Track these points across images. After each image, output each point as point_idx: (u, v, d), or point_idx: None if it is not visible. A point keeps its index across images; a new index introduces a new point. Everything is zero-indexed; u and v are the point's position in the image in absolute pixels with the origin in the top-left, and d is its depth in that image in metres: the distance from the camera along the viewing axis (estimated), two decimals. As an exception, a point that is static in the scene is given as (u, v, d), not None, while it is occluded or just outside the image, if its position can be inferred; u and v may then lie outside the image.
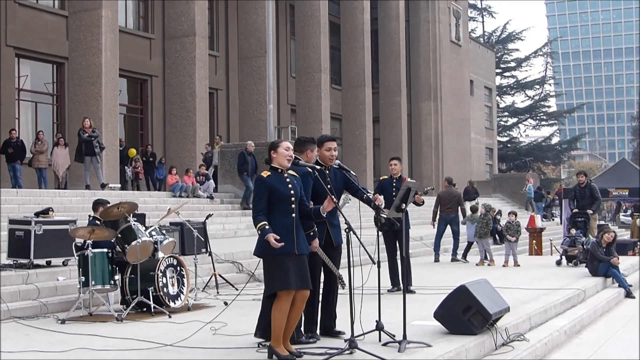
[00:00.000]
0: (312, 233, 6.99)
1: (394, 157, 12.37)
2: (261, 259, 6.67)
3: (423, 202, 11.30)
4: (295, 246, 6.57)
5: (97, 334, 8.08)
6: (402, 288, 7.76)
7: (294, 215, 6.65)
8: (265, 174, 6.65)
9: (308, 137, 7.67)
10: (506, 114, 67.86)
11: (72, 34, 22.90)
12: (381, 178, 12.22)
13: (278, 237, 6.39)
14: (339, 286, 7.43)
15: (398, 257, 11.35)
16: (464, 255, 17.72)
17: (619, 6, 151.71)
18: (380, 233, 10.78)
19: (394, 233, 11.35)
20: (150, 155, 26.06)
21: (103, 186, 20.26)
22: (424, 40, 42.88)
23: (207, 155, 24.93)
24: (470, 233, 17.60)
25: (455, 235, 17.79)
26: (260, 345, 7.03)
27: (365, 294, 7.58)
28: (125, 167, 23.99)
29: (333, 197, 6.80)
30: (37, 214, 11.30)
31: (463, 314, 7.57)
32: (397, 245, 11.59)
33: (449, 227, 17.74)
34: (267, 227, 6.44)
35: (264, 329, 7.05)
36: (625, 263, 15.82)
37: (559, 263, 15.98)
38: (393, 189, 11.43)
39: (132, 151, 25.15)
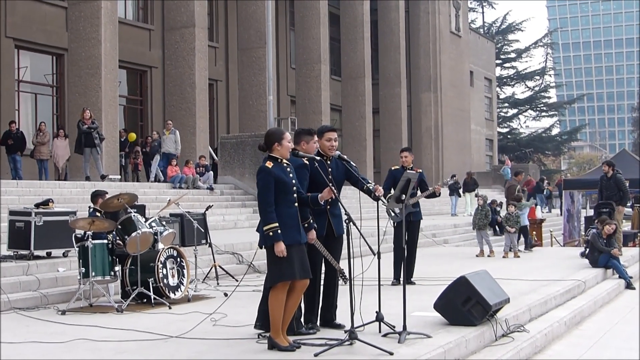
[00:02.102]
0: (306, 224, 6.97)
1: (405, 149, 12.20)
2: (265, 250, 6.65)
3: (439, 194, 11.43)
4: (301, 235, 6.62)
5: (97, 324, 8.09)
6: (403, 279, 7.75)
7: (296, 204, 6.66)
8: (269, 164, 6.61)
9: (305, 128, 7.64)
10: (506, 105, 67.85)
11: (72, 25, 22.85)
12: (393, 168, 11.86)
13: (284, 247, 6.41)
14: (341, 280, 7.42)
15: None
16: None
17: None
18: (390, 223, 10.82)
19: (406, 224, 11.32)
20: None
21: (103, 177, 20.26)
22: (423, 31, 42.81)
23: (153, 144, 23.74)
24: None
25: None
26: (260, 337, 7.04)
27: (366, 285, 7.59)
28: (122, 154, 23.78)
29: (333, 187, 6.80)
30: (37, 205, 11.31)
31: (463, 305, 7.58)
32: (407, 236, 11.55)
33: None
34: (279, 231, 6.41)
35: (264, 320, 7.06)
36: (625, 254, 15.83)
37: (583, 254, 15.04)
38: None
39: (132, 135, 25.08)
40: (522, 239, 17.62)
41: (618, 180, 16.79)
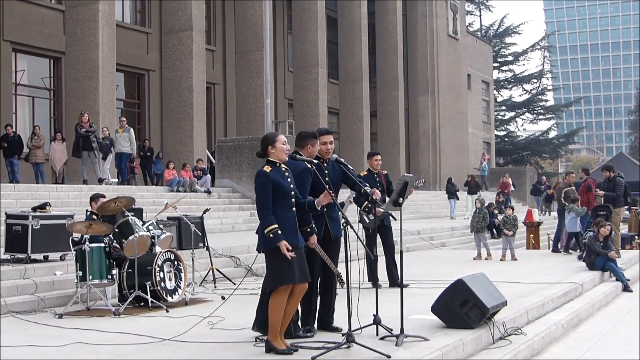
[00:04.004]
0: (309, 229, 6.98)
1: (378, 152, 12.25)
2: (263, 254, 6.66)
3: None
4: (299, 239, 6.63)
5: (95, 328, 8.08)
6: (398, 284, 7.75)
7: (294, 209, 6.67)
8: (267, 168, 6.61)
9: (309, 131, 7.61)
10: (503, 108, 67.89)
11: (69, 29, 22.84)
12: (362, 174, 11.55)
13: (290, 247, 6.42)
14: (338, 284, 7.41)
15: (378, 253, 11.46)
16: (566, 248, 17.48)
17: (617, 0, 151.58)
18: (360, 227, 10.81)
19: (378, 229, 11.32)
20: (148, 150, 26.03)
21: (100, 181, 20.23)
22: (421, 35, 42.84)
23: (104, 142, 21.17)
24: (568, 224, 17.27)
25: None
26: (257, 340, 7.04)
27: (363, 288, 7.60)
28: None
29: (331, 191, 6.79)
30: (34, 209, 11.29)
31: (460, 307, 7.58)
32: (378, 241, 11.55)
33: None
34: (279, 232, 6.42)
35: (261, 323, 7.06)
36: (623, 257, 15.85)
37: (581, 257, 15.07)
38: (377, 184, 11.27)
39: None
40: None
41: (615, 182, 16.88)
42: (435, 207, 32.38)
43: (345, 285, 6.89)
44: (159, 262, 9.72)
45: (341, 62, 36.08)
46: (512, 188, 35.17)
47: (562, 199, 17.53)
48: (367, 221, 10.87)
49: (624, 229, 23.61)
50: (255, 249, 6.86)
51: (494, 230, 21.98)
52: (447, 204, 30.44)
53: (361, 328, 7.16)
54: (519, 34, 70.45)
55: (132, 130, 22.30)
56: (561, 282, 11.70)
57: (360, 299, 7.05)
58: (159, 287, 9.61)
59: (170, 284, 9.84)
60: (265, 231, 6.45)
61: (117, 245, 9.91)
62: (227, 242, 14.66)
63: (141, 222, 10.26)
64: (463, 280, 7.72)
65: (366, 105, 35.55)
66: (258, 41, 28.30)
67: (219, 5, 33.23)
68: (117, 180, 22.00)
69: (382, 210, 8.16)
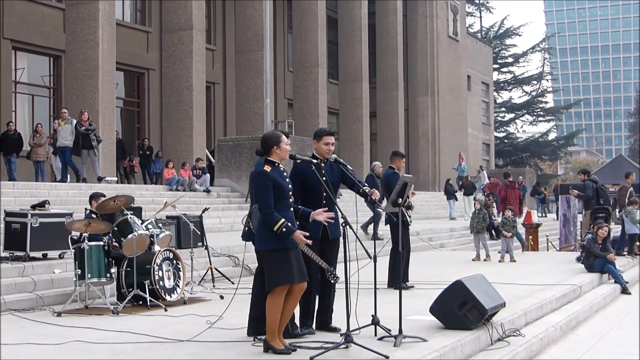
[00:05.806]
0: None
1: (404, 155, 12.19)
2: (262, 254, 6.66)
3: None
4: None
5: (93, 326, 8.08)
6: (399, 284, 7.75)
7: (292, 209, 6.68)
8: (267, 168, 6.60)
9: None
10: (503, 109, 67.92)
11: (69, 27, 22.82)
12: (401, 174, 11.72)
13: (307, 234, 6.45)
14: (330, 280, 7.39)
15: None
16: (629, 251, 17.26)
17: (617, 2, 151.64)
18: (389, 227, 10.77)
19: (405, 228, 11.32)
20: (147, 149, 26.03)
21: (100, 179, 20.20)
22: (421, 35, 42.82)
23: (55, 137, 20.13)
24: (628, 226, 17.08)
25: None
26: (256, 339, 7.04)
27: (361, 289, 7.59)
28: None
29: (331, 193, 6.78)
30: (33, 207, 11.29)
31: (459, 309, 7.58)
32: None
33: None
34: (289, 224, 6.43)
35: (255, 327, 7.07)
36: (622, 259, 15.84)
37: (579, 259, 15.02)
38: None
39: None
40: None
41: (585, 185, 17.08)
42: (434, 208, 32.38)
43: (339, 279, 6.89)
44: (158, 261, 9.72)
45: (341, 63, 36.07)
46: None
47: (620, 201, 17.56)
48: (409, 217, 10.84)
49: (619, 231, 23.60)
50: (255, 250, 6.84)
51: (493, 231, 21.95)
52: (446, 205, 30.43)
53: (360, 328, 7.15)
54: (519, 35, 70.35)
55: (75, 121, 20.27)
56: (560, 284, 11.70)
57: (358, 299, 7.05)
58: (157, 286, 9.61)
59: (169, 283, 9.84)
60: (275, 228, 6.42)
61: (116, 244, 9.91)
62: (226, 241, 14.64)
63: (140, 221, 10.25)
64: (462, 282, 7.72)
65: (366, 105, 35.55)
66: (258, 41, 28.29)
67: (219, 4, 33.23)
68: (115, 179, 21.98)
69: (381, 210, 8.17)
